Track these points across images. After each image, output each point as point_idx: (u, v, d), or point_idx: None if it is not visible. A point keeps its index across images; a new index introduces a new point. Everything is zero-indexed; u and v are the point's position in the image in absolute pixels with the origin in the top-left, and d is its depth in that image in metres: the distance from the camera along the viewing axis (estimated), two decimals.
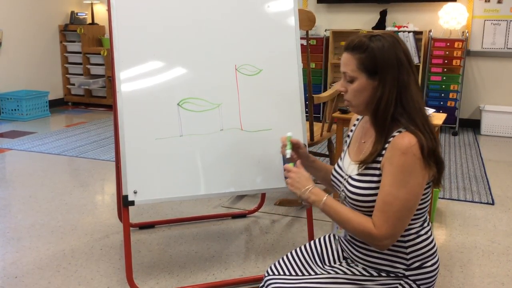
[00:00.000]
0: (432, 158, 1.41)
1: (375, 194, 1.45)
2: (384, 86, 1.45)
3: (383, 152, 1.44)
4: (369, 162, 1.47)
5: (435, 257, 1.53)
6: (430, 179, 1.45)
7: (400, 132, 1.43)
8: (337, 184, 1.62)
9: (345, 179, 1.56)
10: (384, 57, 1.44)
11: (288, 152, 1.68)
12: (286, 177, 1.59)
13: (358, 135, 1.62)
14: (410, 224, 1.47)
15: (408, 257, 1.49)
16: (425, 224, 1.52)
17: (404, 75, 1.45)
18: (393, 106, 1.44)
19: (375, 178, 1.46)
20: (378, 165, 1.45)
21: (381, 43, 1.45)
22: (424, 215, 1.52)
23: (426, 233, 1.51)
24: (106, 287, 2.25)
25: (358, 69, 1.47)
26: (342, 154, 1.66)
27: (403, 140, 1.39)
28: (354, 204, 1.51)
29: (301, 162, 1.67)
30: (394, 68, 1.44)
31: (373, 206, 1.46)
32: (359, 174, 1.50)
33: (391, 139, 1.43)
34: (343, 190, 1.56)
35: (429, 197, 1.51)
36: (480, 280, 2.34)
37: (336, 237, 1.69)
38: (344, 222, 1.46)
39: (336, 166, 1.65)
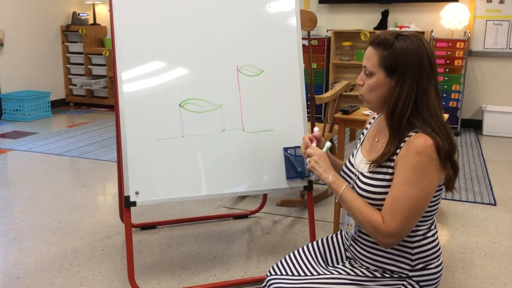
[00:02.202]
0: (448, 160, 1.41)
1: (386, 193, 1.45)
2: (402, 87, 1.44)
3: (398, 151, 1.44)
4: (381, 162, 1.47)
5: (439, 259, 1.52)
6: (443, 181, 1.45)
7: (416, 132, 1.42)
8: (347, 181, 1.62)
9: (356, 175, 1.56)
10: (405, 58, 1.44)
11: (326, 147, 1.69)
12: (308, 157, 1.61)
13: (372, 133, 1.62)
14: (418, 226, 1.48)
15: (413, 258, 1.49)
16: (432, 227, 1.52)
17: (424, 80, 1.44)
18: (410, 108, 1.44)
19: (388, 177, 1.46)
20: (392, 164, 1.45)
21: (406, 44, 1.44)
22: (433, 217, 1.52)
23: (432, 235, 1.51)
24: (108, 287, 2.25)
25: (378, 65, 1.48)
26: (355, 151, 1.67)
27: (419, 140, 1.39)
28: (364, 199, 1.51)
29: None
30: (415, 71, 1.44)
31: (382, 205, 1.46)
32: (371, 172, 1.50)
33: (406, 138, 1.43)
34: (353, 187, 1.56)
35: (439, 200, 1.50)
36: (482, 281, 2.34)
37: (348, 235, 1.68)
38: (356, 211, 1.46)
39: (347, 162, 1.66)
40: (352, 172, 1.59)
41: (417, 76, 1.44)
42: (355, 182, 1.55)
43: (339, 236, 1.75)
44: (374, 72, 1.49)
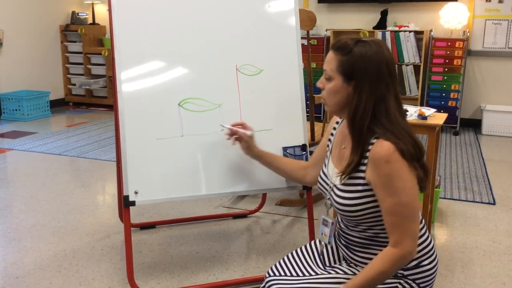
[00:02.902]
0: (416, 162, 1.39)
1: (362, 204, 1.45)
2: (361, 94, 1.43)
3: (365, 161, 1.44)
4: (349, 173, 1.46)
5: (432, 255, 1.52)
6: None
7: (377, 138, 1.41)
8: (323, 192, 1.62)
9: (330, 187, 1.56)
10: (364, 65, 1.42)
11: None
12: None
13: (338, 140, 1.61)
14: None
15: None
16: None
17: (382, 88, 1.42)
18: (369, 116, 1.43)
19: (360, 188, 1.45)
20: (362, 175, 1.45)
21: (365, 50, 1.43)
22: None
23: (419, 231, 1.50)
24: (107, 287, 2.25)
25: (336, 70, 1.47)
26: (326, 160, 1.66)
27: (382, 149, 1.38)
28: (343, 214, 1.51)
29: (244, 150, 1.98)
30: (373, 78, 1.42)
31: (361, 215, 1.46)
32: (343, 184, 1.49)
33: (370, 147, 1.42)
34: (329, 198, 1.57)
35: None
36: (481, 280, 2.34)
37: (322, 243, 1.69)
38: (379, 277, 1.42)
39: (321, 173, 1.65)
40: (327, 184, 1.59)
41: (375, 84, 1.42)
42: (331, 196, 1.55)
43: (336, 235, 1.75)
44: (333, 76, 1.48)
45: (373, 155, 1.40)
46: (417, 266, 1.49)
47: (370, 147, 1.42)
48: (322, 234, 1.65)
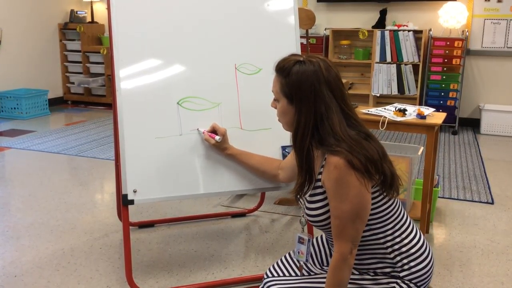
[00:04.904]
0: (367, 171, 1.39)
1: (327, 212, 1.46)
2: (300, 116, 1.45)
3: (321, 169, 1.45)
4: (298, 193, 1.50)
5: (419, 256, 1.51)
6: (374, 185, 1.43)
7: (330, 151, 1.41)
8: (302, 206, 1.63)
9: (303, 203, 1.57)
10: (300, 88, 1.43)
11: None
12: None
13: None
14: (379, 228, 1.47)
15: (391, 256, 1.49)
16: (397, 227, 1.50)
17: (322, 107, 1.42)
18: (309, 137, 1.44)
19: (321, 197, 1.47)
20: (319, 183, 1.47)
21: (301, 71, 1.43)
22: (392, 218, 1.50)
23: (403, 233, 1.50)
24: (106, 286, 2.25)
25: (280, 92, 1.49)
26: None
27: (333, 157, 1.39)
28: (315, 225, 1.52)
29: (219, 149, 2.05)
30: (310, 100, 1.42)
31: (329, 223, 1.47)
32: (310, 196, 1.51)
33: (324, 162, 1.44)
34: (303, 215, 1.59)
35: (385, 201, 1.47)
36: (479, 279, 2.34)
37: (301, 263, 1.69)
38: (338, 286, 1.44)
39: None
40: (302, 201, 1.60)
41: (313, 105, 1.42)
42: (304, 210, 1.56)
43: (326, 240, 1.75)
44: (278, 99, 1.51)
45: (327, 160, 1.42)
46: (409, 267, 1.49)
47: (325, 160, 1.43)
48: (298, 252, 1.65)
